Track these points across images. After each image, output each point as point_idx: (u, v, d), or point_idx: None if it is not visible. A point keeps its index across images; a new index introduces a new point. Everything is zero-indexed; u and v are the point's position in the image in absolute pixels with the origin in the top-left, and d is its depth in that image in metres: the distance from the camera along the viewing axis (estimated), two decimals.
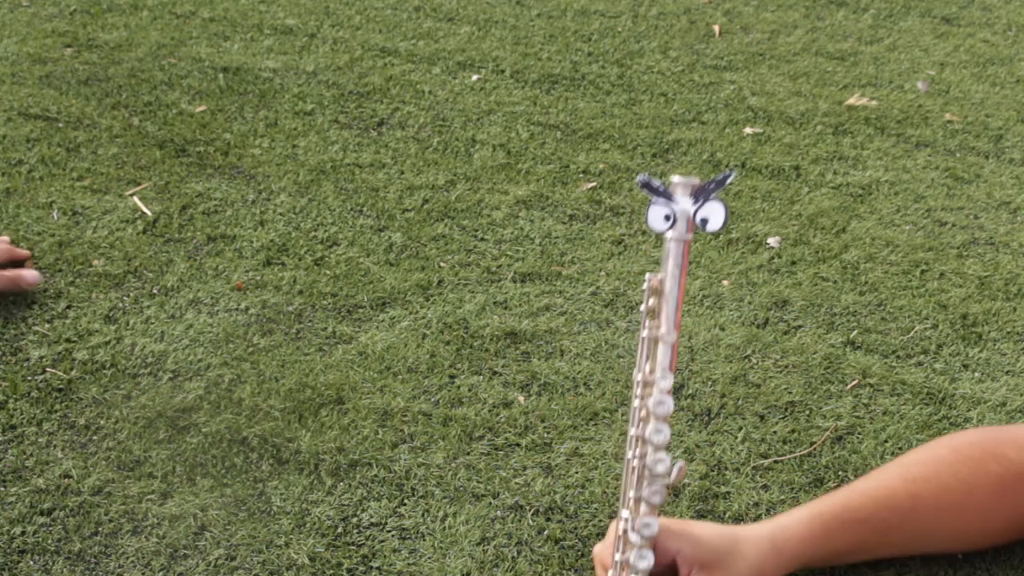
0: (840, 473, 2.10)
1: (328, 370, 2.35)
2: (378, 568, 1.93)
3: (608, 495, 2.05)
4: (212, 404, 2.26)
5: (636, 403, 1.60)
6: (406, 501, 2.06)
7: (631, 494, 1.58)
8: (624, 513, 1.59)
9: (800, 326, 2.51)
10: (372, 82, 3.61)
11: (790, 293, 2.61)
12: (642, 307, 1.54)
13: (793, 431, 2.20)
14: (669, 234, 1.53)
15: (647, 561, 1.59)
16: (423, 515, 2.03)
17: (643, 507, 1.61)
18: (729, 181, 1.55)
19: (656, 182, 1.49)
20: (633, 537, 1.60)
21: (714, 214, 1.55)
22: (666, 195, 1.49)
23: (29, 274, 2.52)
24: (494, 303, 2.55)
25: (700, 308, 2.56)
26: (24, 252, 2.61)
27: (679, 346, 2.32)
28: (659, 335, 1.53)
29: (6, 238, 2.64)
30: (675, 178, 1.50)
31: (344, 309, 2.54)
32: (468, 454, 2.16)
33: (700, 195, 1.49)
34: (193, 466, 2.13)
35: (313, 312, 2.53)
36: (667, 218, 1.53)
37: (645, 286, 1.58)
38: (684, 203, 1.50)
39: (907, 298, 2.61)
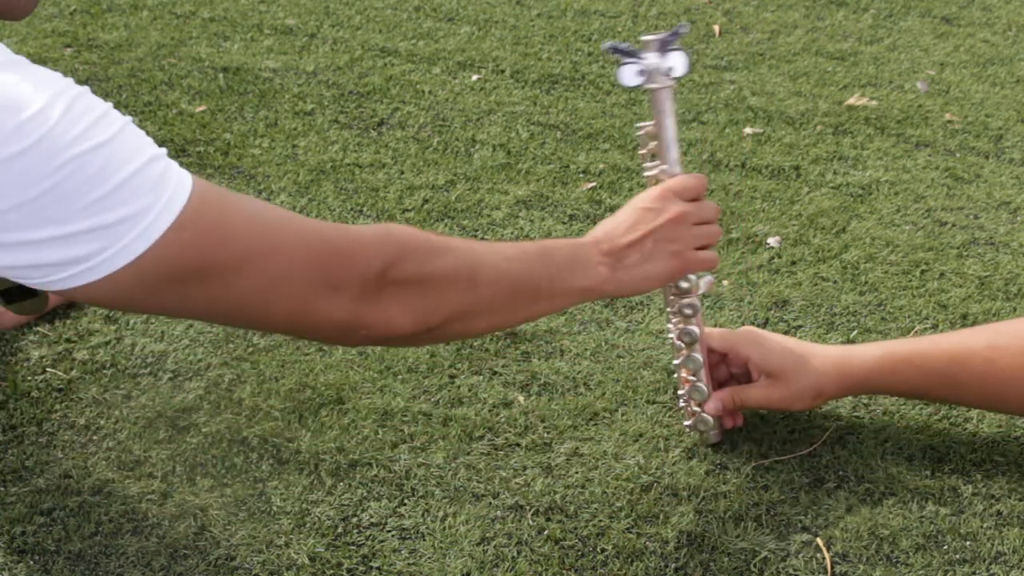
0: (840, 473, 2.10)
1: (328, 370, 2.35)
2: (378, 568, 1.93)
3: (609, 495, 2.05)
4: (212, 404, 2.27)
5: None
6: (406, 501, 2.06)
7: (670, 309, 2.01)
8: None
9: (800, 326, 2.51)
10: (372, 82, 3.61)
11: (790, 293, 2.61)
12: (642, 151, 1.81)
13: (793, 431, 2.20)
14: (654, 85, 1.83)
15: (695, 362, 2.07)
16: (423, 515, 2.03)
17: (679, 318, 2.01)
18: (683, 32, 1.86)
19: (624, 45, 1.79)
20: (675, 340, 2.06)
21: (678, 63, 1.87)
22: (634, 54, 1.79)
23: None
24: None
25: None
26: None
27: None
28: (663, 171, 1.80)
29: None
30: (644, 37, 1.80)
31: None
32: (468, 454, 2.16)
33: (663, 47, 1.82)
34: (193, 466, 2.13)
35: None
36: (641, 73, 1.83)
37: (640, 133, 1.83)
38: (653, 58, 1.83)
39: (907, 298, 2.61)
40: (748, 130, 3.36)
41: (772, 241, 2.80)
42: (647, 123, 1.82)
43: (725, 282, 2.64)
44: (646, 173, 1.87)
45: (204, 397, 2.28)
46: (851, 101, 3.56)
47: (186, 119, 3.33)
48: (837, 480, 2.09)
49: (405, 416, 2.23)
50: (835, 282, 2.66)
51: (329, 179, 3.04)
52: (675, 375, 2.18)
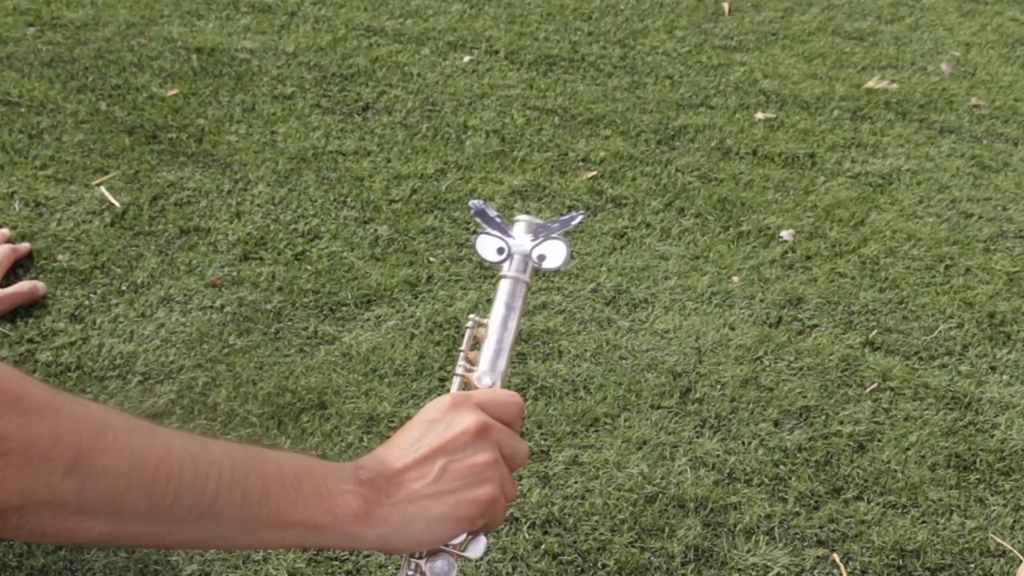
0: (859, 483, 2.09)
1: (309, 372, 2.34)
2: None
3: (610, 507, 2.05)
4: (185, 409, 2.26)
5: None
6: None
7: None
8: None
9: (815, 325, 2.51)
10: (356, 64, 3.60)
11: (805, 290, 2.61)
12: (462, 348, 1.41)
13: (809, 438, 2.20)
14: (508, 273, 1.45)
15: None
16: None
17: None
18: (575, 224, 1.47)
19: (492, 212, 1.44)
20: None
21: (553, 253, 1.46)
22: (497, 227, 1.44)
23: (40, 284, 2.53)
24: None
25: (708, 306, 2.56)
26: (24, 247, 2.63)
27: (688, 347, 2.31)
28: (477, 380, 1.36)
29: (6, 231, 2.64)
30: (519, 216, 1.44)
31: (326, 307, 2.54)
32: None
33: (541, 233, 1.42)
34: None
35: (293, 310, 2.52)
36: (501, 252, 1.46)
37: (469, 326, 1.45)
38: (521, 239, 1.43)
39: (930, 295, 2.60)
40: (760, 115, 3.36)
41: (785, 234, 2.80)
42: (484, 318, 1.48)
43: (735, 278, 2.64)
44: (456, 372, 1.46)
45: (177, 401, 2.27)
46: (870, 84, 3.56)
47: (157, 103, 3.32)
48: (856, 490, 2.08)
49: (392, 422, 2.22)
50: (853, 278, 2.66)
51: (310, 168, 3.04)
52: None
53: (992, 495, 2.06)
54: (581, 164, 3.09)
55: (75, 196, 2.86)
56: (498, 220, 1.49)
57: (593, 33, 3.87)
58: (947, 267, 2.69)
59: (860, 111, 3.40)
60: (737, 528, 2.00)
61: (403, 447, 1.30)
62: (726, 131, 3.27)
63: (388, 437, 2.21)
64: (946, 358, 2.43)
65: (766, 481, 2.10)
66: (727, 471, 2.13)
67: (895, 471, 2.11)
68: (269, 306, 2.52)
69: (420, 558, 1.26)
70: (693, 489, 2.07)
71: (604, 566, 1.94)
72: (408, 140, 3.20)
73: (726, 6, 4.10)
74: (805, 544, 1.98)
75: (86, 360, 2.37)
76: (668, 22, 3.96)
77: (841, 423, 2.22)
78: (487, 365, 1.42)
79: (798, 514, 2.03)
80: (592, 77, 3.58)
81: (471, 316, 1.45)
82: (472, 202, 1.47)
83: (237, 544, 1.26)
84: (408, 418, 2.25)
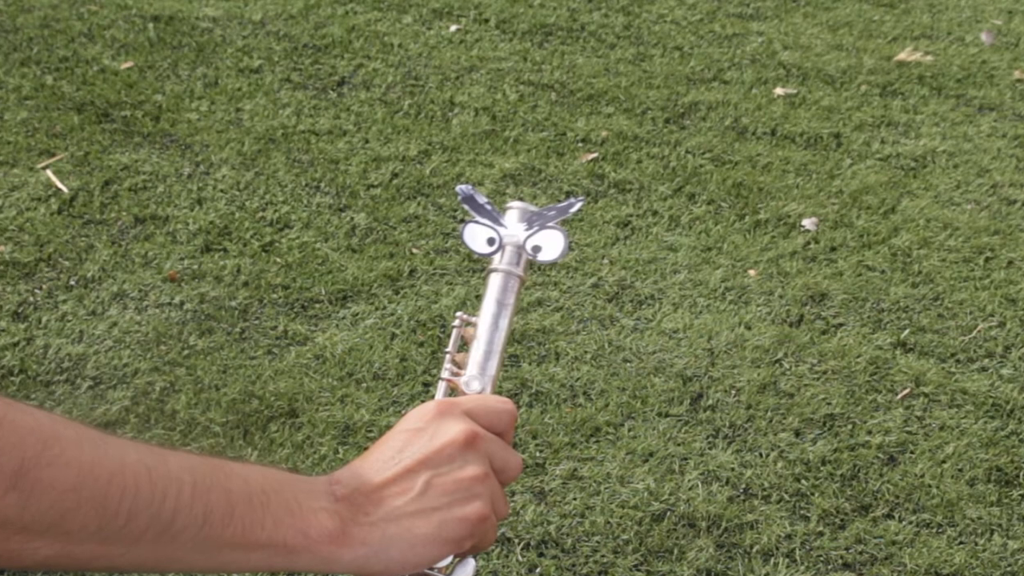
0: (890, 499, 2.10)
1: (279, 377, 2.35)
2: None
3: (613, 526, 2.05)
4: (140, 417, 2.26)
5: None
6: None
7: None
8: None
9: (841, 324, 2.52)
10: (331, 34, 3.61)
11: (829, 285, 2.61)
12: (448, 350, 1.39)
13: (834, 449, 2.20)
14: (499, 266, 1.43)
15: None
16: None
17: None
18: (574, 212, 1.46)
19: (482, 198, 1.44)
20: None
21: (550, 244, 1.46)
22: (488, 216, 1.44)
23: None
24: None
25: (722, 303, 2.56)
26: None
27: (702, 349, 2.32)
28: (466, 384, 1.34)
29: None
30: (512, 203, 1.44)
31: (298, 304, 2.54)
32: None
33: (536, 222, 1.42)
34: None
35: (260, 308, 2.52)
36: (491, 243, 1.40)
37: (455, 324, 1.41)
38: (514, 228, 1.43)
39: (968, 291, 2.61)
40: (779, 91, 3.37)
41: (808, 223, 2.81)
42: (472, 316, 1.47)
43: (752, 272, 2.64)
44: (441, 376, 1.46)
45: (131, 409, 2.28)
46: (902, 56, 3.56)
47: (109, 78, 3.32)
48: (886, 507, 2.09)
49: (371, 431, 2.23)
50: (883, 272, 2.67)
51: (280, 149, 3.04)
52: None
53: None
54: (580, 145, 3.10)
55: (18, 181, 2.86)
56: (488, 207, 1.49)
57: (594, 0, 3.88)
58: (987, 259, 2.70)
59: (890, 86, 3.41)
60: (754, 549, 2.01)
61: (383, 460, 1.22)
62: (741, 108, 3.28)
63: (366, 448, 2.21)
64: (986, 361, 2.44)
65: (786, 497, 2.11)
66: (743, 486, 2.13)
67: (929, 486, 2.12)
68: (234, 303, 2.53)
69: None
70: (705, 506, 2.08)
71: None
72: (388, 118, 3.20)
73: None
74: (829, 567, 1.98)
75: (30, 363, 2.38)
76: None
77: (869, 433, 2.22)
78: (476, 368, 1.35)
79: (822, 534, 2.03)
80: (593, 48, 3.58)
81: (458, 314, 1.42)
82: (459, 187, 1.47)
83: (198, 568, 1.17)
84: (388, 427, 2.25)
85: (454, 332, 1.40)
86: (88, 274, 2.59)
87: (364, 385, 2.35)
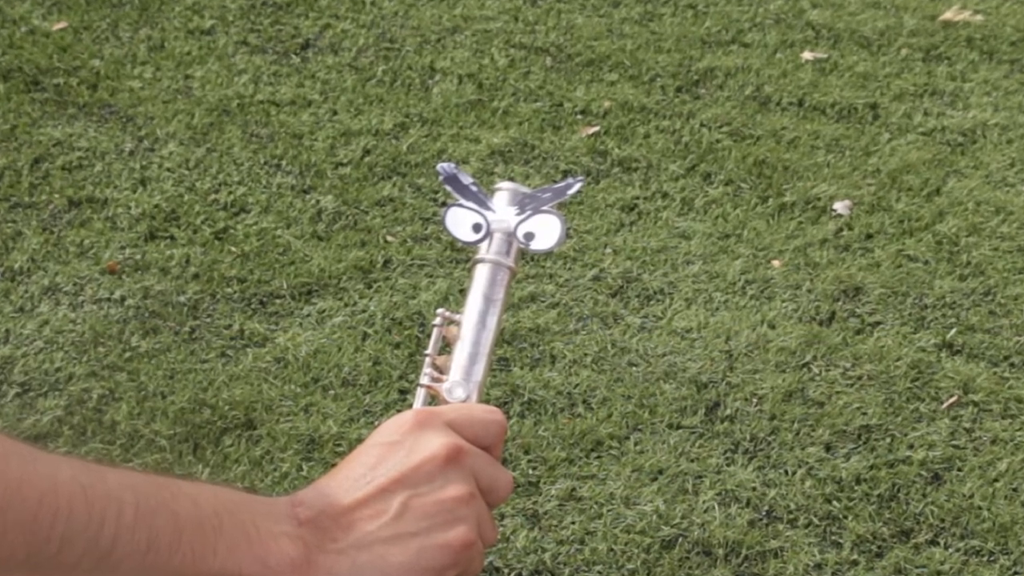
0: (934, 523, 2.10)
1: (234, 383, 2.34)
2: None
3: (617, 553, 2.05)
4: (75, 429, 2.26)
5: None
6: None
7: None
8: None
9: (878, 323, 2.51)
10: None
11: (864, 277, 2.61)
12: (427, 352, 1.39)
13: (870, 466, 2.20)
14: (486, 256, 1.43)
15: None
16: None
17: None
18: (572, 193, 1.46)
19: (466, 177, 1.44)
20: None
21: (545, 231, 1.46)
22: (473, 197, 1.44)
23: None
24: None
25: (741, 298, 2.56)
26: None
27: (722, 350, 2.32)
28: (447, 391, 1.35)
29: None
30: (501, 184, 1.45)
31: (255, 300, 2.54)
32: None
33: (528, 205, 1.42)
34: None
35: (213, 303, 2.52)
36: (478, 229, 1.48)
37: (436, 323, 1.40)
38: (503, 213, 1.43)
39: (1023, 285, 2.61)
40: (807, 55, 3.37)
41: (840, 207, 2.80)
42: (455, 313, 1.47)
43: (776, 263, 2.64)
44: (420, 382, 1.46)
45: (65, 419, 2.27)
46: (948, 15, 3.56)
47: (39, 40, 3.31)
48: (930, 532, 2.09)
49: (339, 445, 2.23)
50: (926, 262, 2.67)
51: (235, 122, 3.03)
52: None
53: None
54: (580, 117, 3.10)
55: None
56: (474, 189, 1.48)
57: None
58: None
59: (935, 49, 3.41)
60: None
61: (353, 478, 1.19)
62: (764, 75, 3.28)
63: (334, 465, 2.20)
64: None
65: (815, 521, 2.11)
66: (765, 508, 2.13)
67: (979, 508, 2.12)
68: (182, 298, 2.52)
69: None
70: (722, 531, 2.08)
71: None
72: (359, 87, 3.20)
73: None
74: None
75: None
76: None
77: (911, 447, 2.22)
78: (460, 374, 1.30)
79: (856, 563, 2.03)
80: (594, 6, 3.58)
81: (440, 311, 1.41)
82: (441, 165, 1.46)
83: None
84: (359, 440, 2.24)
85: (435, 332, 1.40)
86: (15, 265, 2.59)
87: (332, 392, 2.34)
